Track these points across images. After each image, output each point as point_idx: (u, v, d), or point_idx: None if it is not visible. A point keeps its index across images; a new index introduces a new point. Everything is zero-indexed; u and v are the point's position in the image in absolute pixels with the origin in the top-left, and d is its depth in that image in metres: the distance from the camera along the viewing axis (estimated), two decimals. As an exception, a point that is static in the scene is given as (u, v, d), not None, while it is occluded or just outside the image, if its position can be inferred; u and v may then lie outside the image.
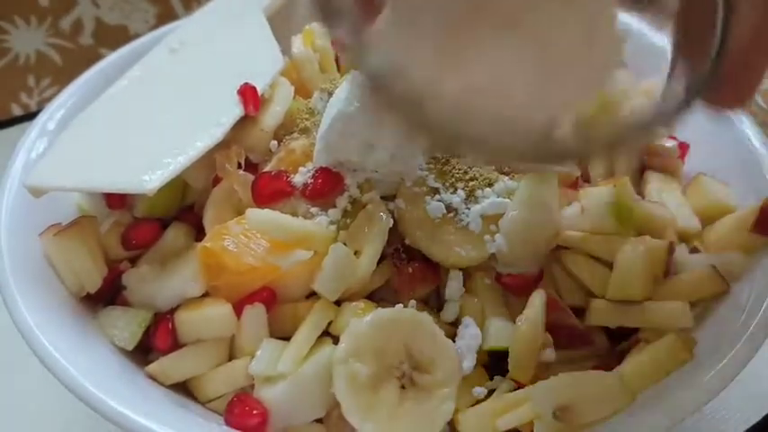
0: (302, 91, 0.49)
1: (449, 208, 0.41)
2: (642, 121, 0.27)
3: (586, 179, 0.46)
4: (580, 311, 0.41)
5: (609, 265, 0.40)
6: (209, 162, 0.43)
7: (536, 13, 0.26)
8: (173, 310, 0.41)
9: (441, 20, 0.26)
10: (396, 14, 0.27)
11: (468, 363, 0.38)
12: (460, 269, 0.41)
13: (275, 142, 0.45)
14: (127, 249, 0.43)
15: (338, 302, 0.40)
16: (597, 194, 0.41)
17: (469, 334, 0.39)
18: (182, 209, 0.46)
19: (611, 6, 0.27)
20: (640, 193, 0.45)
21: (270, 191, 0.42)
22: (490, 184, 0.42)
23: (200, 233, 0.43)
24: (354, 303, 0.39)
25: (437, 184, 0.41)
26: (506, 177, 0.43)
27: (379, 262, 0.40)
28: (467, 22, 0.26)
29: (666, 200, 0.44)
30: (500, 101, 0.27)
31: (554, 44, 0.26)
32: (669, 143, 0.47)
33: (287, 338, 0.39)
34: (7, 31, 0.64)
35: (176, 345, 0.40)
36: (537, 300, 0.38)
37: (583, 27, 0.27)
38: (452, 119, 0.26)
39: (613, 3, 0.28)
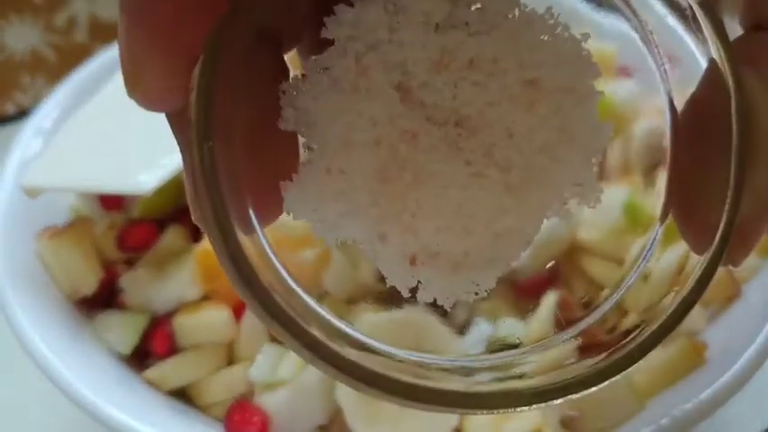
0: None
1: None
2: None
3: (601, 175, 0.45)
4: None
5: (623, 266, 0.39)
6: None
7: (492, 126, 0.20)
8: (171, 314, 0.40)
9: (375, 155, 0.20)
10: (315, 166, 0.20)
11: (476, 367, 0.37)
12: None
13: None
14: (123, 251, 0.43)
15: (341, 306, 0.39)
16: (611, 194, 0.41)
17: (480, 336, 0.38)
18: (179, 209, 0.45)
19: (592, 94, 0.20)
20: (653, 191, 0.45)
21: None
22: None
23: (198, 234, 0.42)
24: (359, 305, 0.39)
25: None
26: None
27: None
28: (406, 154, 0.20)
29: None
30: (458, 246, 0.20)
31: (519, 156, 0.20)
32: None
33: (288, 343, 0.38)
34: (1, 27, 0.63)
35: (174, 349, 0.39)
36: (549, 301, 0.38)
37: (555, 125, 0.20)
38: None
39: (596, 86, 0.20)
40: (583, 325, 0.22)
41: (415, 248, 0.20)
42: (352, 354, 0.19)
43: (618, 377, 0.19)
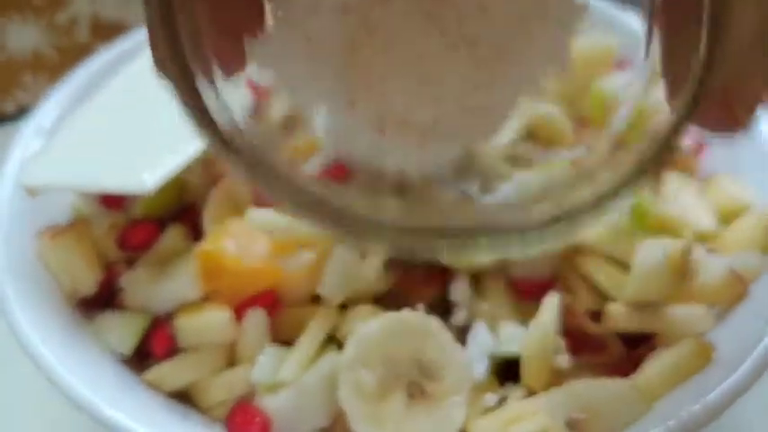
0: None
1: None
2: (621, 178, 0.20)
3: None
4: (595, 316, 0.40)
5: (626, 268, 0.39)
6: (209, 160, 0.42)
7: None
8: (171, 315, 0.39)
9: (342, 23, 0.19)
10: (283, 29, 0.19)
11: (480, 369, 0.37)
12: (472, 272, 0.40)
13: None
14: (124, 251, 0.42)
15: (344, 307, 0.39)
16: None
17: (480, 339, 0.38)
18: (180, 209, 0.44)
19: None
20: (656, 192, 0.44)
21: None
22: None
23: (199, 234, 0.42)
24: (361, 307, 0.38)
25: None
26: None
27: (385, 264, 0.39)
28: (375, 20, 0.19)
29: (683, 199, 0.43)
30: (427, 116, 0.20)
31: (493, 24, 0.19)
32: (686, 142, 0.46)
33: (290, 344, 0.38)
34: (2, 27, 0.63)
35: (175, 350, 0.39)
36: (550, 304, 0.37)
37: None
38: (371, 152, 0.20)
39: None
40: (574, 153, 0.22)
41: (384, 115, 0.20)
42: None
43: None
